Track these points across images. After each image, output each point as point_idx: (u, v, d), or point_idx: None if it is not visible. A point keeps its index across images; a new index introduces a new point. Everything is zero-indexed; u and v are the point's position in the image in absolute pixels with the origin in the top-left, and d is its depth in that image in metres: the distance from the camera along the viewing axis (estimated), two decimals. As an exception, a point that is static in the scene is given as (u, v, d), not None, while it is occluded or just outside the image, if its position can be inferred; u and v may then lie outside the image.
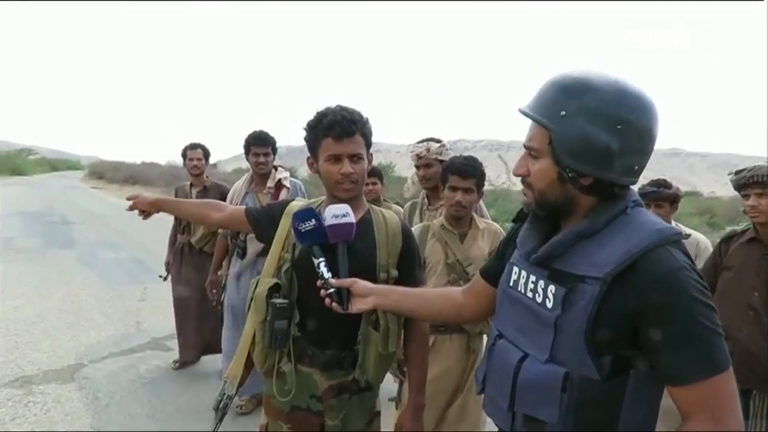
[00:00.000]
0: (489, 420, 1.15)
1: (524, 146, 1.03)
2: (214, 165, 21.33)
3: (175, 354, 4.05)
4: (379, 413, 1.65)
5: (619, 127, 0.91)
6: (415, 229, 2.28)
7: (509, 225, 1.26)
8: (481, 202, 2.69)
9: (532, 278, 1.01)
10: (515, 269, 1.08)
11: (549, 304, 0.95)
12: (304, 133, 1.53)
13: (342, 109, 1.47)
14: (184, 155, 3.86)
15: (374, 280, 1.41)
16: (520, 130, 1.05)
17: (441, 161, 2.57)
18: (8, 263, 7.39)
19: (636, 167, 0.95)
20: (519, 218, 1.18)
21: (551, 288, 0.95)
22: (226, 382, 1.64)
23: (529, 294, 1.01)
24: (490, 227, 2.31)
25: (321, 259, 1.35)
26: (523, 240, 1.08)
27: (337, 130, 1.43)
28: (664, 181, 2.58)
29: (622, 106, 0.91)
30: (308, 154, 1.54)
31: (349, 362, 1.51)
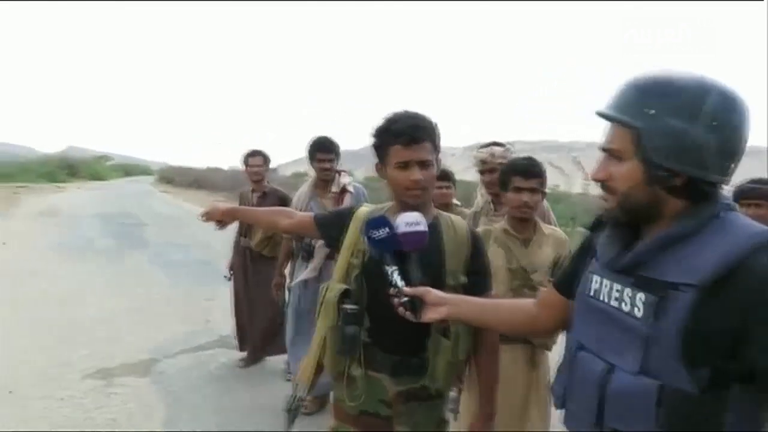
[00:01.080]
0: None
1: (603, 149, 0.99)
2: (274, 169, 21.96)
3: (242, 354, 4.20)
4: (447, 422, 1.64)
5: (714, 123, 0.88)
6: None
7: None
8: (549, 207, 2.62)
9: (617, 287, 0.97)
10: (595, 278, 1.04)
11: (638, 313, 0.91)
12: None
13: (410, 115, 1.47)
14: (245, 162, 4.00)
15: (442, 287, 1.40)
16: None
17: None
18: (89, 262, 7.94)
19: (731, 166, 0.92)
20: (595, 227, 1.13)
21: (640, 296, 0.91)
22: (297, 384, 1.68)
23: (614, 303, 0.97)
24: (555, 233, 2.23)
25: (394, 267, 1.34)
26: (604, 248, 1.04)
27: (406, 136, 1.43)
28: (762, 178, 2.41)
29: (715, 103, 0.88)
30: (371, 160, 1.56)
31: (418, 369, 1.50)
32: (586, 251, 1.14)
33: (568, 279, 1.18)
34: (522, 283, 2.12)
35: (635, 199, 0.95)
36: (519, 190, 2.09)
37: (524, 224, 2.17)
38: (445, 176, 3.39)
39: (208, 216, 1.82)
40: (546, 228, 2.23)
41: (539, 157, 2.49)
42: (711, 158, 0.89)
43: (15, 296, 5.87)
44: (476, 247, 1.58)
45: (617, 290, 0.97)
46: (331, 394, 1.70)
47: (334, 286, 1.54)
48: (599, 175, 1.00)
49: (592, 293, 1.04)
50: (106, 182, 35.70)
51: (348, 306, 1.47)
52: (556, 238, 2.20)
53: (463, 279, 1.52)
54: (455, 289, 1.47)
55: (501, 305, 1.43)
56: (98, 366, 4.00)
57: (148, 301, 5.87)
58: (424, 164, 1.46)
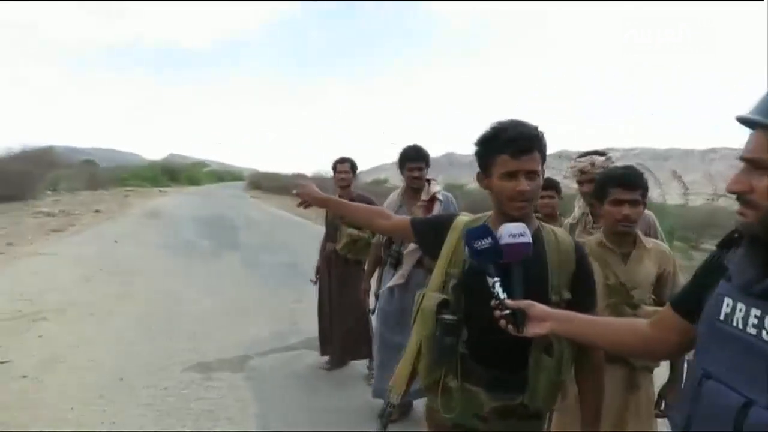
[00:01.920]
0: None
1: (743, 158, 0.91)
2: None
3: (325, 359, 4.30)
4: None
5: None
6: None
7: None
8: (654, 217, 2.45)
9: (755, 312, 0.88)
10: (727, 301, 0.95)
11: None
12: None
13: (519, 124, 1.43)
14: (334, 168, 4.11)
15: (546, 302, 1.34)
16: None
17: None
18: (190, 262, 8.56)
19: None
20: (726, 243, 1.04)
21: None
22: (390, 389, 1.68)
23: (751, 330, 0.88)
24: (658, 247, 2.07)
25: (496, 279, 1.31)
26: (739, 268, 0.95)
27: (515, 146, 1.38)
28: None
29: None
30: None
31: (517, 385, 1.45)
32: (713, 270, 1.05)
33: (689, 300, 1.09)
34: (620, 300, 1.99)
35: None
36: (619, 202, 1.96)
37: (623, 237, 2.04)
38: (551, 185, 3.27)
39: (302, 193, 1.83)
40: (648, 241, 2.08)
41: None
42: None
43: (125, 291, 6.44)
44: (582, 262, 1.51)
45: (756, 316, 0.88)
46: (423, 401, 1.68)
47: (431, 295, 1.52)
48: (738, 187, 0.92)
49: (722, 318, 0.95)
50: (202, 187, 38.37)
51: (446, 316, 1.44)
52: (659, 252, 2.05)
53: (567, 295, 1.45)
54: (559, 306, 1.41)
55: (611, 324, 1.35)
56: (197, 359, 4.28)
57: (241, 300, 6.21)
58: (531, 175, 1.41)
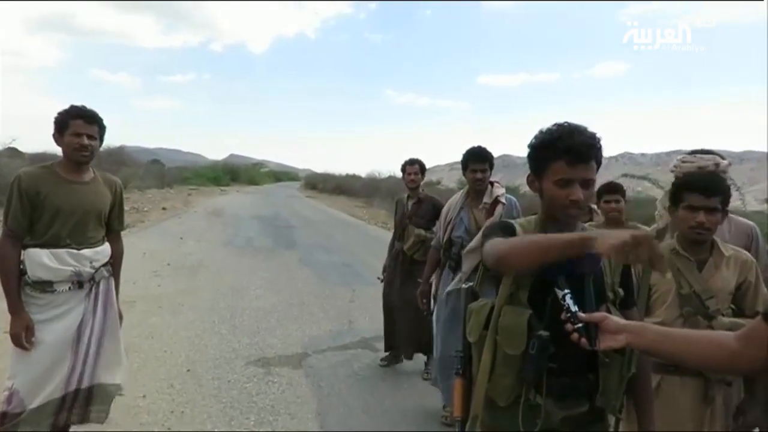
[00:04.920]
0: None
1: None
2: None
3: (382, 355, 4.34)
4: None
5: None
6: None
7: None
8: (757, 230, 2.28)
9: None
10: None
11: None
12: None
13: (578, 132, 1.38)
14: (403, 170, 4.18)
15: (603, 302, 1.38)
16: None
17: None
18: (250, 259, 8.84)
19: None
20: None
21: None
22: (465, 422, 1.59)
23: None
24: (738, 255, 1.95)
25: (566, 291, 1.28)
26: None
27: (573, 154, 1.35)
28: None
29: None
30: (530, 172, 1.49)
31: (584, 391, 1.44)
32: None
33: None
34: (695, 310, 1.89)
35: None
36: (694, 208, 1.87)
37: (698, 244, 1.94)
38: (617, 189, 3.16)
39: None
40: (727, 249, 1.96)
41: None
42: None
43: (191, 286, 6.74)
44: None
45: None
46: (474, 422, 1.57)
47: (513, 309, 1.44)
48: None
49: None
50: (261, 187, 39.62)
51: (542, 333, 1.36)
52: (739, 260, 1.93)
53: (621, 292, 1.47)
54: (614, 304, 1.45)
55: (692, 336, 1.27)
56: (259, 354, 4.41)
57: (299, 298, 6.35)
58: (586, 183, 1.38)
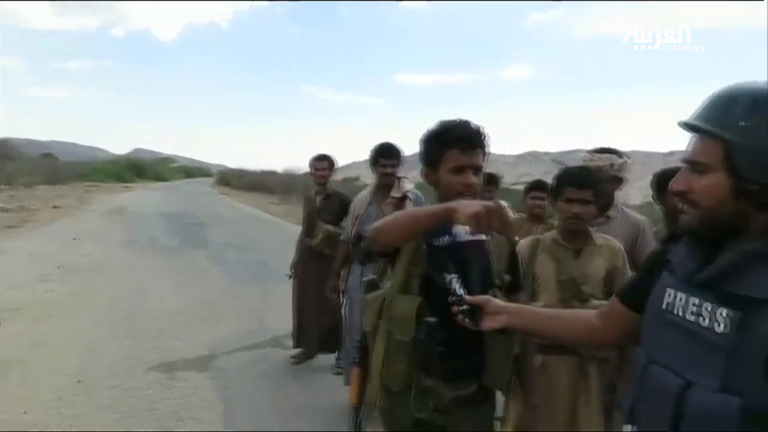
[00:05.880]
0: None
1: (686, 161, 0.98)
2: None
3: (294, 352, 4.27)
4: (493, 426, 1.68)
5: None
6: (524, 242, 2.20)
7: None
8: (646, 224, 2.51)
9: (694, 300, 0.95)
10: (670, 291, 1.01)
11: (719, 329, 0.88)
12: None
13: (466, 123, 1.53)
14: (311, 165, 4.14)
15: (491, 287, 1.47)
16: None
17: (619, 179, 2.43)
18: (154, 259, 8.35)
19: None
20: (671, 239, 1.11)
21: (722, 311, 0.88)
22: (354, 405, 1.66)
23: (691, 317, 0.94)
24: (609, 243, 2.15)
25: (454, 276, 1.34)
26: (681, 261, 1.02)
27: (465, 142, 1.49)
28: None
29: None
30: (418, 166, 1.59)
31: (472, 371, 1.53)
32: (657, 264, 1.12)
33: (635, 291, 1.16)
34: (572, 294, 2.06)
35: (720, 213, 0.93)
36: (570, 201, 2.04)
37: (575, 234, 2.12)
38: (541, 186, 3.33)
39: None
40: (599, 238, 2.16)
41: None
42: None
43: (87, 289, 6.25)
44: (512, 247, 1.67)
45: (695, 304, 0.95)
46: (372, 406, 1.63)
47: (405, 298, 1.49)
48: (680, 187, 0.98)
49: (665, 307, 1.01)
50: (169, 183, 37.54)
51: (430, 319, 1.42)
52: (609, 248, 2.13)
53: (508, 278, 1.58)
54: (501, 289, 1.54)
55: (561, 315, 1.43)
56: (161, 359, 4.18)
57: (206, 299, 6.09)
58: (477, 170, 1.51)
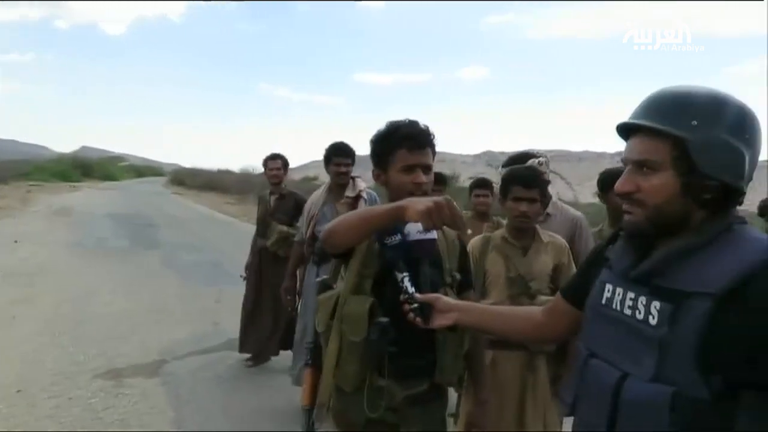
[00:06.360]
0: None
1: (633, 161, 0.99)
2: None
3: (248, 355, 4.19)
4: (445, 423, 1.68)
5: (747, 137, 0.93)
6: (475, 241, 2.25)
7: None
8: (584, 221, 2.60)
9: (630, 295, 0.98)
10: (608, 287, 1.04)
11: (652, 321, 0.92)
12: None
13: (414, 123, 1.55)
14: (264, 165, 4.09)
15: (442, 285, 1.51)
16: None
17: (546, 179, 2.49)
18: (101, 262, 8.01)
19: (751, 177, 0.96)
20: (614, 239, 1.13)
21: (655, 304, 0.92)
22: (312, 410, 1.65)
23: (627, 311, 0.98)
24: (555, 241, 2.23)
25: (405, 274, 1.35)
26: (618, 257, 1.05)
27: (412, 141, 1.51)
28: None
29: (747, 117, 0.93)
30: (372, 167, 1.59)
31: (424, 370, 1.53)
32: (596, 261, 1.15)
33: (576, 288, 1.19)
34: (520, 291, 2.12)
35: (668, 211, 0.96)
36: (518, 200, 2.10)
37: (523, 232, 2.18)
38: (486, 184, 3.39)
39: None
40: (545, 235, 2.23)
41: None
42: (746, 169, 0.93)
43: (27, 295, 5.92)
44: (462, 245, 1.70)
45: (631, 299, 0.98)
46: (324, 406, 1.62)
47: (357, 299, 1.49)
48: (627, 188, 0.99)
49: (604, 302, 1.05)
50: (119, 182, 36.10)
51: (382, 320, 1.42)
52: (555, 246, 2.20)
53: (458, 276, 1.60)
54: (452, 287, 1.56)
55: (508, 312, 1.47)
56: (108, 366, 4.02)
57: (158, 302, 5.90)
58: (426, 169, 1.53)
